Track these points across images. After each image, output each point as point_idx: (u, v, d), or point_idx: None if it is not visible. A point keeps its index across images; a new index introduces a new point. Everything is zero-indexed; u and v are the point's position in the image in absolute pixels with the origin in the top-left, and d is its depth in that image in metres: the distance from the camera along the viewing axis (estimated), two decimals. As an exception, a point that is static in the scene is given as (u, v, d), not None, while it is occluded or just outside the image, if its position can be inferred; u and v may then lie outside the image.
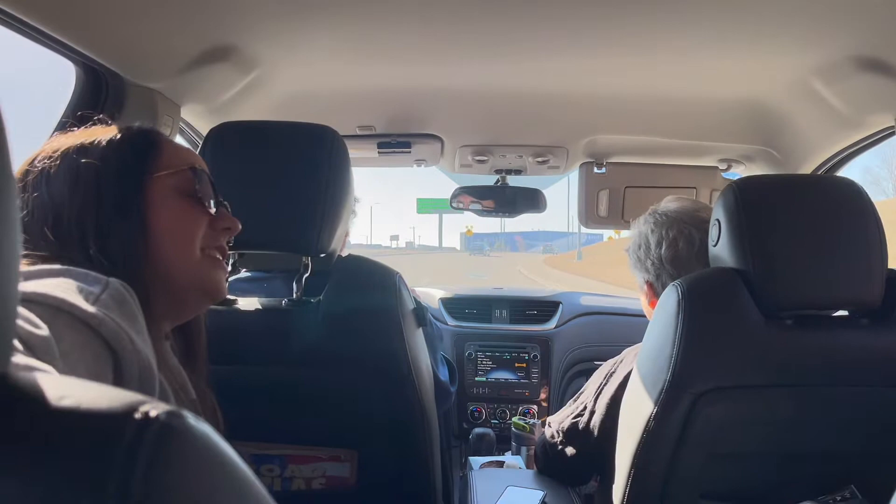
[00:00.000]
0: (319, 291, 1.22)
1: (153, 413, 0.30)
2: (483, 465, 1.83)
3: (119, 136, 0.77)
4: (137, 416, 0.30)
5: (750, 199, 1.10)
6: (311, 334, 1.17)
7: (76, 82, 1.30)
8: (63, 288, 0.53)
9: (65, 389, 0.31)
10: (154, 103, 1.41)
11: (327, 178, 1.14)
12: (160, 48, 1.31)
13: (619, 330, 2.58)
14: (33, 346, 0.44)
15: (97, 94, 1.31)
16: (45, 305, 0.50)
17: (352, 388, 1.25)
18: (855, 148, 1.80)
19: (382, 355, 1.24)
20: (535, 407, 2.60)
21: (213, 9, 1.25)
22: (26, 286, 0.52)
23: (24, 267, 0.57)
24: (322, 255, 1.18)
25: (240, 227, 0.87)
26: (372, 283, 1.27)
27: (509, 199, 2.41)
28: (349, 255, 1.32)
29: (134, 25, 1.19)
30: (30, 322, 0.45)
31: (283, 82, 1.71)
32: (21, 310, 0.46)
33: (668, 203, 1.42)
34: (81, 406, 0.30)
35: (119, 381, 0.52)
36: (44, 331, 0.46)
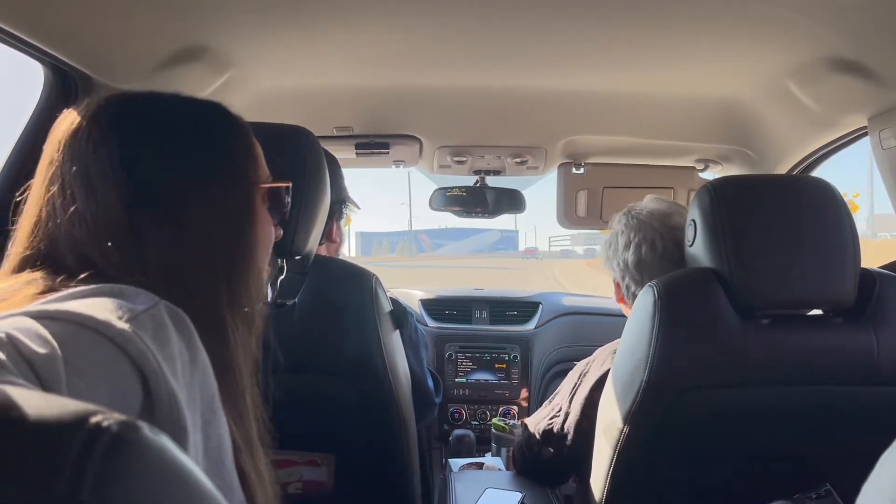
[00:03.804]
0: (295, 294, 1.21)
1: (105, 423, 0.29)
2: (463, 467, 1.82)
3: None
4: (88, 426, 0.29)
5: (725, 200, 1.10)
6: (286, 337, 1.16)
7: (44, 83, 1.27)
8: (98, 306, 0.51)
9: (16, 401, 0.30)
10: None
11: (302, 179, 1.12)
12: (131, 49, 1.28)
13: (600, 330, 2.56)
14: (35, 364, 0.42)
15: (66, 94, 1.28)
16: (66, 322, 0.47)
17: (328, 391, 1.24)
18: (829, 147, 1.82)
19: (358, 357, 1.23)
20: (516, 408, 2.60)
21: (185, 8, 1.23)
22: (68, 305, 0.49)
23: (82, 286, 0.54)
24: (297, 258, 1.16)
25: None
26: (348, 284, 1.26)
27: (489, 200, 2.41)
28: (325, 257, 1.31)
29: (103, 25, 1.17)
30: (36, 339, 0.44)
31: (258, 83, 1.69)
32: (33, 326, 0.44)
33: (645, 204, 1.43)
34: (30, 417, 0.29)
35: (149, 402, 0.49)
36: (47, 348, 0.43)
